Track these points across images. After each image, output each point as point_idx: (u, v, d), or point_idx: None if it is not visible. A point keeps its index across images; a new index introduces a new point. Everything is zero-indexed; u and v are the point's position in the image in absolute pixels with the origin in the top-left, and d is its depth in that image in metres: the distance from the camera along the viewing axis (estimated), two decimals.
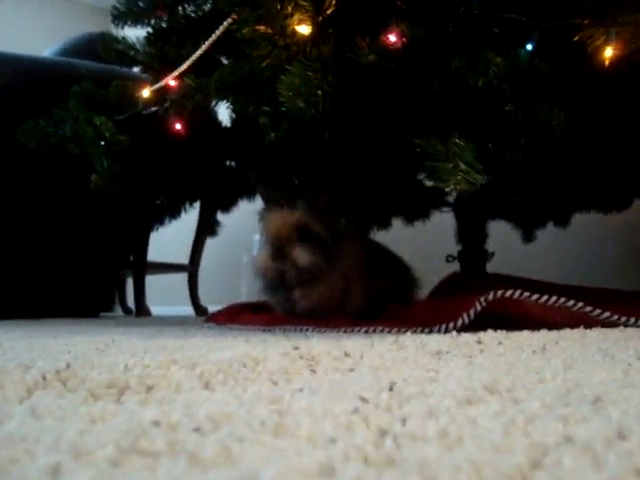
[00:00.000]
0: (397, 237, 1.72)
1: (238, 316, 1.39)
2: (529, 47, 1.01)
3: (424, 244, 2.19)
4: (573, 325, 0.93)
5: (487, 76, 0.90)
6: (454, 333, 0.77)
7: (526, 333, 0.78)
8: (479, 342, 0.66)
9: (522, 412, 0.28)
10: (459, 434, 0.25)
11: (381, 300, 1.27)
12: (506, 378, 0.39)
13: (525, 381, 0.38)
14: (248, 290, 2.90)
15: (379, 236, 1.72)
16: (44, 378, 0.39)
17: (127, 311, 2.66)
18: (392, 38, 0.94)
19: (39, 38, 3.12)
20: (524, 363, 0.49)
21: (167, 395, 0.36)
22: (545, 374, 0.41)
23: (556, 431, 0.25)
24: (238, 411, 0.29)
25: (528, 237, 1.86)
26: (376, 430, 0.26)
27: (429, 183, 1.75)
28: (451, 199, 1.72)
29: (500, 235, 1.73)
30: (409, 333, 0.86)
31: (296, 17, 0.96)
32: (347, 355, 0.53)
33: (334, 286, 1.21)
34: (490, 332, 0.76)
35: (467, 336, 0.72)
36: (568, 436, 0.24)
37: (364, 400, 0.32)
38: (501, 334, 0.75)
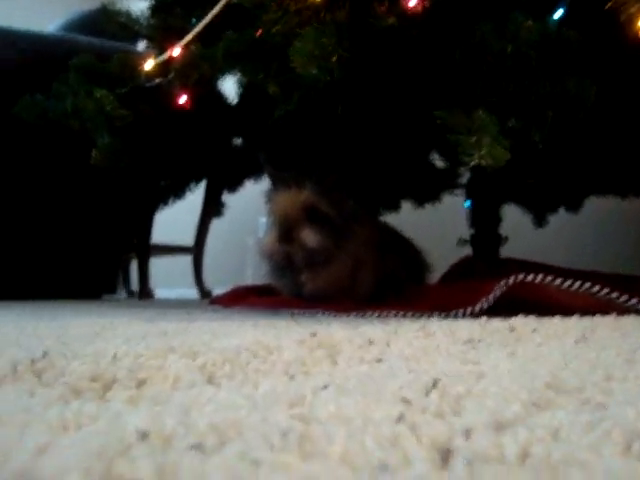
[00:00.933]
0: (407, 220, 1.66)
1: (243, 299, 1.34)
2: (558, 14, 0.94)
3: (435, 227, 2.13)
4: (598, 311, 0.87)
5: (516, 42, 0.84)
6: (483, 319, 0.71)
7: (557, 319, 0.72)
8: (512, 330, 0.59)
9: (616, 423, 0.22)
10: (548, 455, 0.18)
11: (391, 284, 1.22)
12: (565, 374, 0.33)
13: (591, 378, 0.32)
14: (254, 273, 2.85)
15: (388, 219, 1.66)
16: (15, 370, 0.33)
17: (131, 293, 2.63)
18: (412, 2, 0.87)
19: (43, 14, 3.05)
20: (575, 355, 0.42)
21: (161, 392, 0.30)
22: (610, 370, 0.34)
23: None
24: (250, 418, 0.23)
25: (540, 222, 1.81)
26: (432, 446, 0.20)
27: (441, 164, 1.70)
28: (464, 181, 1.67)
29: (511, 220, 1.67)
30: (434, 319, 0.80)
31: None
32: (371, 343, 0.47)
33: (343, 269, 1.15)
34: (521, 318, 0.70)
35: (497, 322, 0.66)
36: None
37: (407, 402, 0.26)
38: (532, 320, 0.69)
